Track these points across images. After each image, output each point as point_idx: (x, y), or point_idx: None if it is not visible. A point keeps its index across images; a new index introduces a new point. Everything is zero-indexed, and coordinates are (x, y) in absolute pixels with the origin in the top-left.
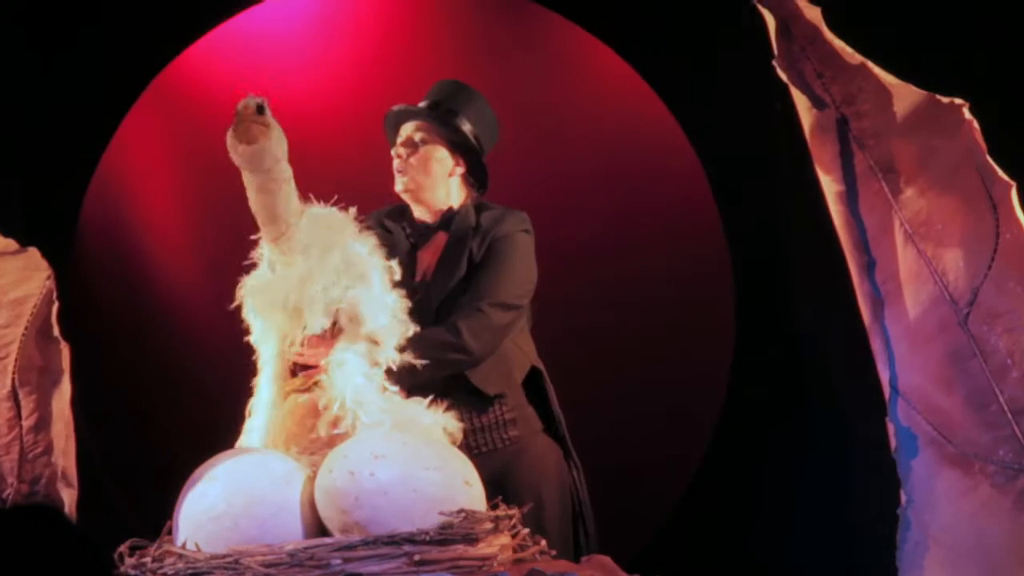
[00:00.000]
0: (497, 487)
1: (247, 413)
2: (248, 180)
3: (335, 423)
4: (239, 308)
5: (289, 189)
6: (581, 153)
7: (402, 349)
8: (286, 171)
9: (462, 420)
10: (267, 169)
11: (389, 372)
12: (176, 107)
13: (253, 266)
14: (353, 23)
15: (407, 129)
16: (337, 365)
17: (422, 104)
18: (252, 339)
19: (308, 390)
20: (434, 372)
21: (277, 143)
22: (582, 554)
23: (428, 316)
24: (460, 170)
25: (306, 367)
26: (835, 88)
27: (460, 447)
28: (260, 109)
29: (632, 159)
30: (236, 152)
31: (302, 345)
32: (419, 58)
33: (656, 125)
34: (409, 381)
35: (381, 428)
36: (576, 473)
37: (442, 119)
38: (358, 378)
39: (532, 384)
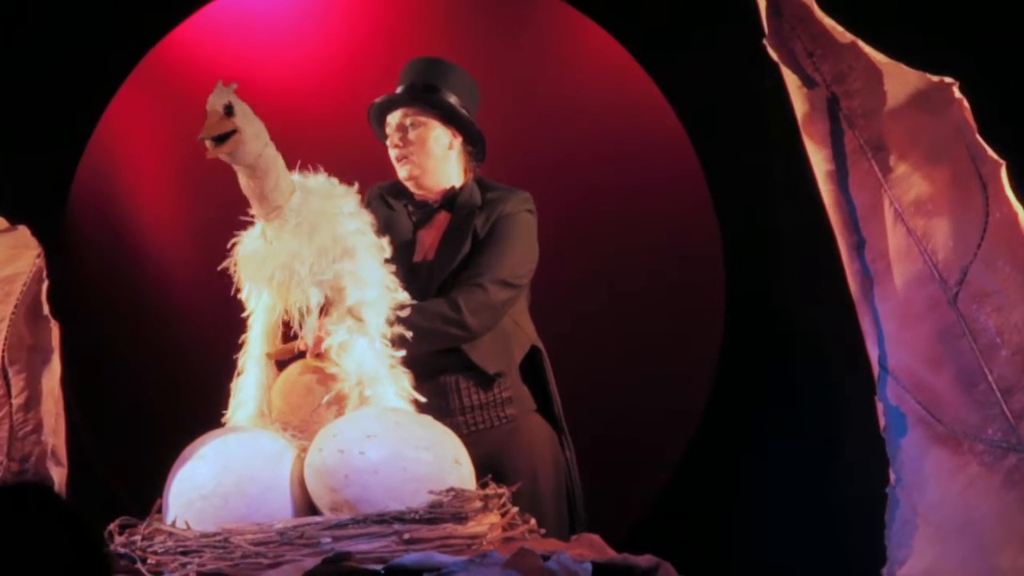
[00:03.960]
0: (493, 465)
1: (237, 371)
2: (236, 168)
3: (340, 404)
4: (230, 286)
5: (277, 172)
6: (571, 132)
7: (397, 320)
8: (271, 157)
9: (460, 398)
10: (250, 164)
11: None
12: (166, 85)
13: (246, 224)
14: (345, 1)
15: (394, 118)
16: (342, 347)
17: (400, 89)
18: (243, 296)
19: (289, 354)
20: (430, 345)
21: (253, 139)
22: (575, 532)
23: (430, 296)
24: (458, 141)
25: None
26: (825, 67)
27: (456, 425)
28: (228, 110)
29: (622, 138)
30: (212, 155)
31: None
32: (411, 37)
33: (646, 103)
34: (404, 351)
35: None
36: (568, 452)
37: (425, 98)
38: (368, 359)
39: (530, 363)
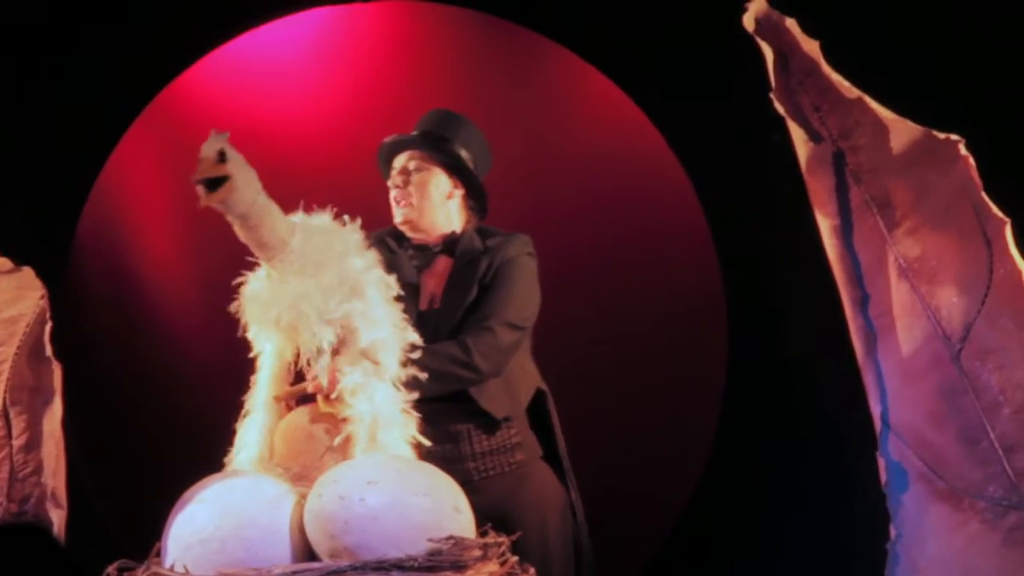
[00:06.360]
0: (502, 512)
1: (242, 413)
2: (229, 218)
3: (345, 448)
4: (233, 329)
5: (272, 219)
6: (576, 180)
7: (408, 362)
8: (263, 205)
9: (472, 444)
10: (243, 213)
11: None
12: (172, 129)
13: (252, 266)
14: (350, 49)
15: (401, 160)
16: (357, 389)
17: (413, 133)
18: (250, 336)
19: (296, 396)
20: (440, 387)
21: (245, 187)
22: None
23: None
24: (459, 192)
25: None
26: (832, 121)
27: (466, 471)
28: (221, 156)
29: (628, 187)
30: (205, 202)
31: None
32: (415, 84)
33: (652, 154)
34: (416, 394)
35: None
36: (574, 495)
37: (435, 145)
38: (384, 402)
39: (535, 407)
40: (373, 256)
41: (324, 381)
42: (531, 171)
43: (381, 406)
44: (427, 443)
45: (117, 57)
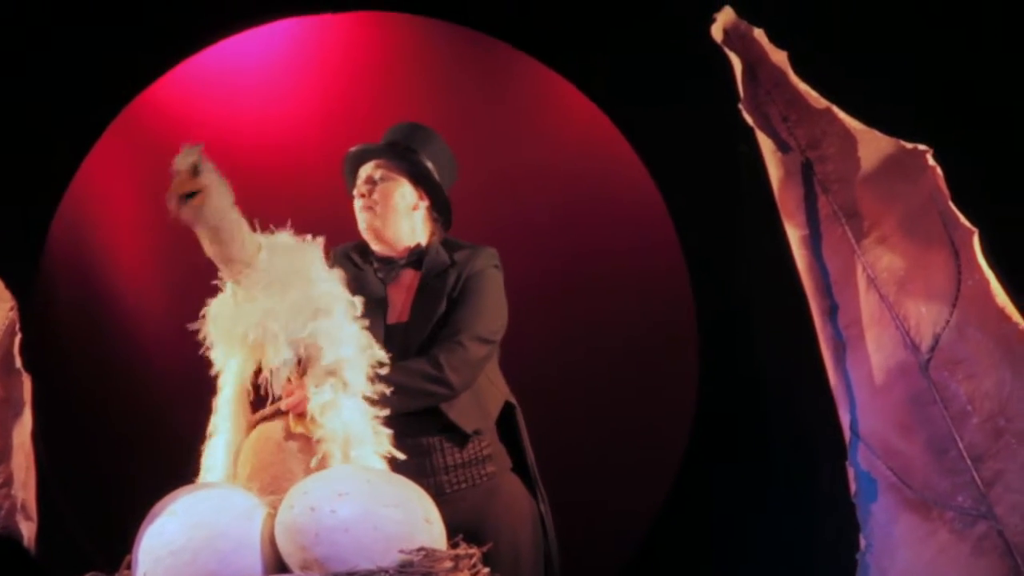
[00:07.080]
0: (473, 525)
1: (207, 434)
2: (199, 232)
3: (322, 462)
4: (203, 339)
5: (241, 234)
6: (546, 193)
7: (379, 379)
8: (235, 220)
9: (444, 458)
10: (214, 225)
11: (370, 401)
12: (143, 139)
13: (217, 289)
14: (319, 60)
15: (367, 169)
16: (327, 408)
17: (379, 144)
18: (213, 360)
19: (271, 419)
20: (413, 404)
21: (219, 198)
22: None
23: (409, 357)
24: (424, 204)
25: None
26: (800, 132)
27: (438, 485)
28: (194, 170)
29: (597, 200)
30: (178, 215)
31: (279, 383)
32: (385, 96)
33: (622, 166)
34: (387, 410)
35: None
36: (544, 507)
37: (401, 155)
38: (354, 420)
39: (504, 419)
40: (337, 274)
41: (277, 390)
42: (500, 182)
43: (351, 423)
44: (401, 456)
45: (88, 66)
